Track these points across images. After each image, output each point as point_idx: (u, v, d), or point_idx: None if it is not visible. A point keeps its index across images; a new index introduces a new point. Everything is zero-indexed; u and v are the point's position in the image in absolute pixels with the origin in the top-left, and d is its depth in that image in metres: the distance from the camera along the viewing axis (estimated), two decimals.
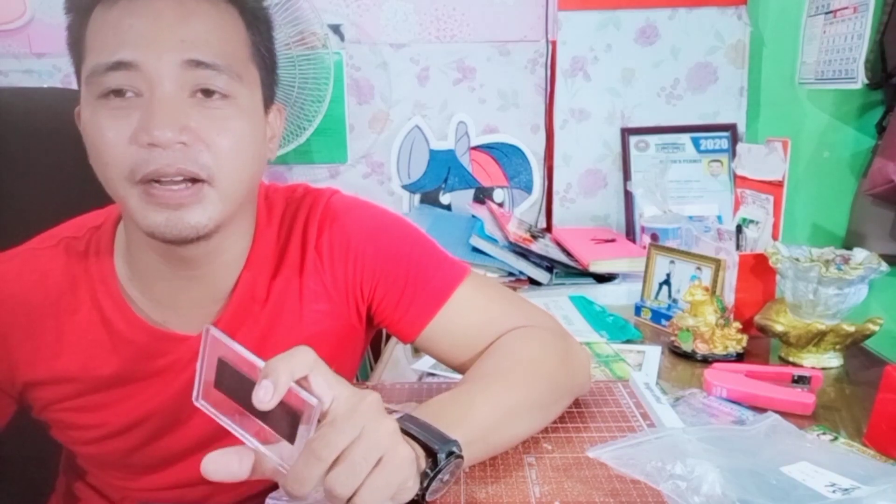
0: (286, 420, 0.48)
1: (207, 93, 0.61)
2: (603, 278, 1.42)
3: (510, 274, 1.44)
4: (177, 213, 0.61)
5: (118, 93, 0.59)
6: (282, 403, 0.47)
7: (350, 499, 0.48)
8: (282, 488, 0.49)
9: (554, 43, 1.69)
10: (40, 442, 0.75)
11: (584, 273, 1.42)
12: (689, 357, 1.02)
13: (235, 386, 0.49)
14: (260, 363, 0.48)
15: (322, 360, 0.50)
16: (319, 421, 0.48)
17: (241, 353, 0.49)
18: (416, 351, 1.03)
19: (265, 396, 0.46)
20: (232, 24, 0.64)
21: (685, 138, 1.67)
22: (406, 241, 0.76)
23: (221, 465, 0.49)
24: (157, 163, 0.59)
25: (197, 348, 0.68)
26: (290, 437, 0.48)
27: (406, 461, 0.51)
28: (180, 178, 0.60)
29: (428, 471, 0.54)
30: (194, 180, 0.61)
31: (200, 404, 0.51)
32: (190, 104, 0.60)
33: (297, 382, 0.48)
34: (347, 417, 0.48)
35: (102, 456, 0.74)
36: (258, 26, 0.67)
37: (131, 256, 0.70)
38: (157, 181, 0.59)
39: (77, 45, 0.63)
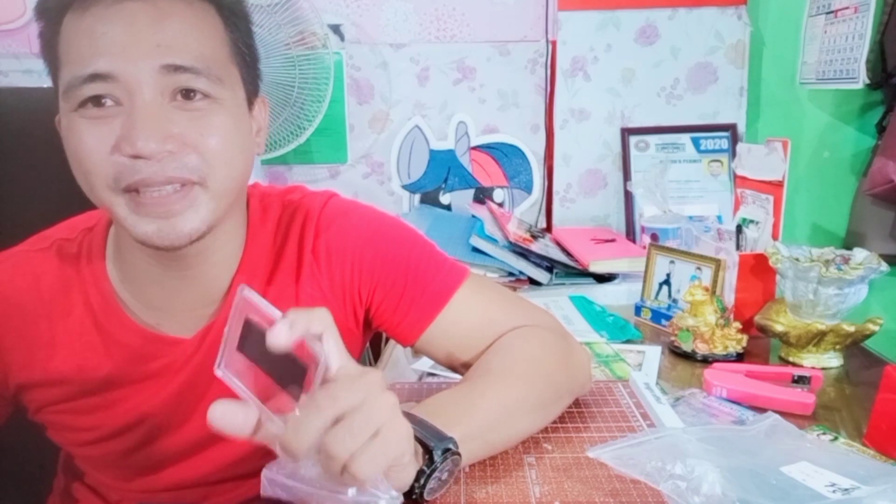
0: (298, 382, 0.48)
1: (188, 94, 0.60)
2: (603, 278, 1.42)
3: (510, 274, 1.44)
4: (168, 222, 0.60)
5: (96, 101, 0.58)
6: (295, 362, 0.47)
7: (346, 466, 0.48)
8: (278, 449, 0.49)
9: (554, 43, 1.69)
10: (38, 442, 0.75)
11: (584, 273, 1.42)
12: (689, 357, 1.02)
13: (257, 346, 0.49)
14: (280, 316, 0.48)
15: (337, 327, 0.51)
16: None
17: (268, 312, 0.49)
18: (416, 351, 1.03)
19: (280, 334, 0.46)
20: (209, 24, 0.62)
21: (685, 138, 1.67)
22: (404, 244, 0.75)
23: (227, 416, 0.49)
24: (143, 172, 0.58)
25: (189, 352, 0.69)
26: (298, 398, 0.48)
27: (404, 436, 0.51)
28: (169, 185, 0.59)
29: (424, 468, 0.55)
30: (185, 183, 0.60)
31: (221, 372, 0.51)
32: (171, 108, 0.59)
33: (311, 339, 0.48)
34: (352, 382, 0.49)
35: (98, 457, 0.73)
36: (236, 23, 0.65)
37: (122, 259, 0.69)
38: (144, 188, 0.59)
39: (50, 53, 0.61)
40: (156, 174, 0.58)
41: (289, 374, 0.48)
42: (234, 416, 0.49)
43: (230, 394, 0.51)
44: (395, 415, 0.51)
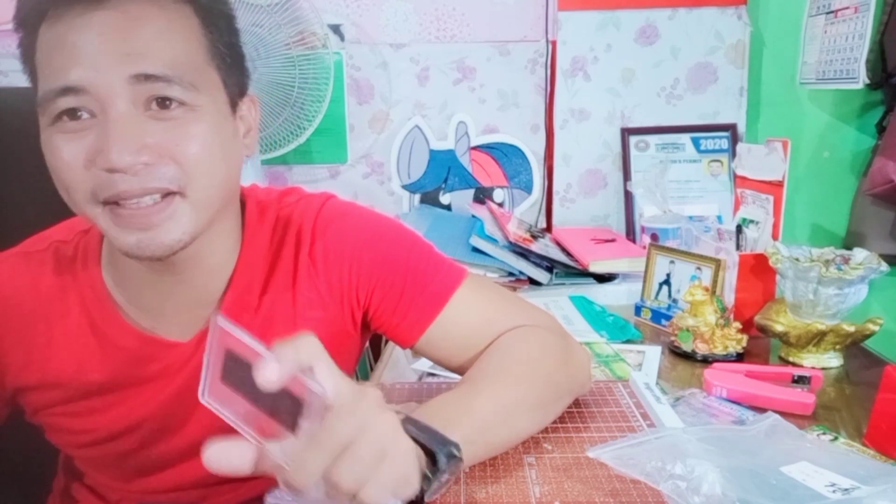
0: (290, 411, 0.47)
1: (163, 102, 0.58)
2: (603, 278, 1.42)
3: (510, 274, 1.43)
4: (148, 234, 0.59)
5: (71, 113, 0.57)
6: (286, 393, 0.47)
7: (355, 495, 0.47)
8: (282, 483, 0.48)
9: (554, 43, 1.69)
10: (38, 442, 0.75)
11: (584, 273, 1.42)
12: (689, 357, 1.02)
13: (242, 377, 0.48)
14: (266, 352, 0.47)
15: (325, 350, 0.50)
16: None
17: (247, 342, 0.48)
18: None
19: (271, 375, 0.45)
20: (184, 27, 0.60)
21: (685, 138, 1.67)
22: (402, 246, 0.75)
23: (223, 457, 0.48)
24: (120, 186, 0.57)
25: (187, 354, 0.69)
26: (294, 429, 0.47)
27: (408, 454, 0.51)
28: (148, 196, 0.58)
29: (428, 473, 0.54)
30: (165, 193, 0.59)
31: (206, 401, 0.51)
32: (146, 119, 0.57)
33: (302, 372, 0.47)
34: (351, 410, 0.48)
35: (97, 459, 0.73)
36: (215, 22, 0.63)
37: (116, 263, 0.69)
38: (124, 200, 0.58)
39: (29, 65, 0.61)
40: (133, 187, 0.57)
41: (277, 403, 0.47)
42: (230, 455, 0.48)
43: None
44: (397, 434, 0.50)
